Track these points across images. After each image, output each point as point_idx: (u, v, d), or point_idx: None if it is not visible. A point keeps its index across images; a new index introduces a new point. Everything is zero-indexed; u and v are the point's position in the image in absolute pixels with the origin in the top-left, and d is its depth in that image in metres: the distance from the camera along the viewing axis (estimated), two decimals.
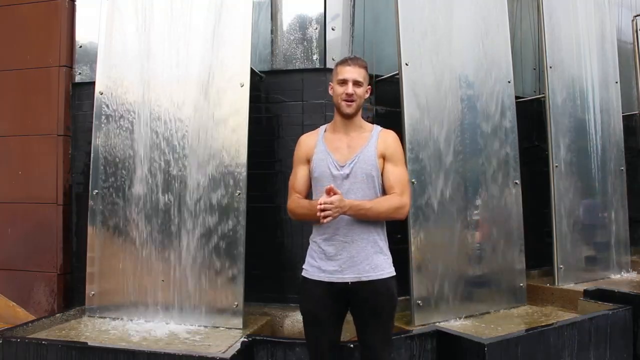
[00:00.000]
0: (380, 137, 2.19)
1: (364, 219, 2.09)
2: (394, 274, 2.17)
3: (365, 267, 2.09)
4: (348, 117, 2.17)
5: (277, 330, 3.28)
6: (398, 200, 2.12)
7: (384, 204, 2.10)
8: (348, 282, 2.09)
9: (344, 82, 2.13)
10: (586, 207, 4.13)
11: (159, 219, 3.11)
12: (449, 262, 3.31)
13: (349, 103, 2.12)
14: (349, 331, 2.37)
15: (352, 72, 2.13)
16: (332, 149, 2.16)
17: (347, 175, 2.11)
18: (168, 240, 3.10)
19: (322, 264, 2.11)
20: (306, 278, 2.16)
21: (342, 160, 2.13)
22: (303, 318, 2.20)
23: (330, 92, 2.21)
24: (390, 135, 2.23)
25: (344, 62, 2.17)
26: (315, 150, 2.18)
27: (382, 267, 2.12)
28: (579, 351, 2.98)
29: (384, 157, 2.16)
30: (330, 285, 2.10)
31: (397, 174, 2.16)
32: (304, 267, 2.19)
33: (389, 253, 2.18)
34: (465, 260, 3.39)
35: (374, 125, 2.26)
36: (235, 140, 3.05)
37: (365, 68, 2.18)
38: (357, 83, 2.13)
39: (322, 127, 2.28)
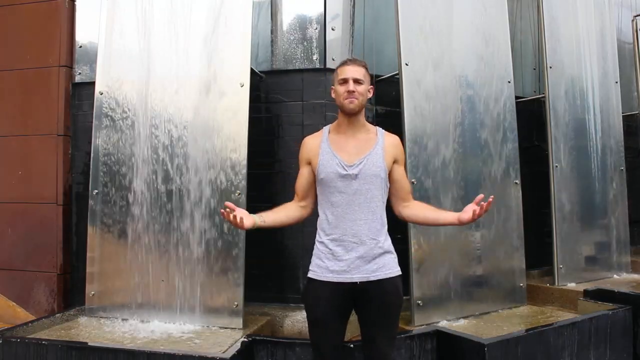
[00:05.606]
0: (387, 141, 2.22)
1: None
2: (400, 272, 2.18)
3: (372, 267, 2.10)
4: (352, 115, 2.16)
5: (277, 330, 3.28)
6: None
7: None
8: (356, 282, 2.08)
9: (344, 81, 2.14)
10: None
11: (159, 219, 3.11)
12: (449, 262, 3.31)
13: (351, 99, 2.12)
14: (349, 331, 2.36)
15: (351, 71, 2.14)
16: (337, 149, 2.16)
17: (356, 176, 2.11)
18: (168, 240, 3.10)
19: (330, 264, 2.10)
20: (313, 279, 2.14)
21: (349, 161, 2.14)
22: (308, 319, 2.18)
23: (333, 95, 2.21)
24: (399, 141, 2.29)
25: (343, 63, 2.20)
26: (319, 152, 2.18)
27: (389, 266, 2.13)
28: (579, 351, 2.98)
29: (394, 161, 2.21)
30: (338, 285, 2.09)
31: (406, 178, 2.30)
32: (310, 268, 2.17)
33: (394, 252, 2.19)
34: (465, 260, 3.40)
35: (376, 127, 2.28)
36: (235, 140, 3.05)
37: (365, 67, 2.19)
38: (357, 81, 2.13)
39: (326, 128, 2.27)
